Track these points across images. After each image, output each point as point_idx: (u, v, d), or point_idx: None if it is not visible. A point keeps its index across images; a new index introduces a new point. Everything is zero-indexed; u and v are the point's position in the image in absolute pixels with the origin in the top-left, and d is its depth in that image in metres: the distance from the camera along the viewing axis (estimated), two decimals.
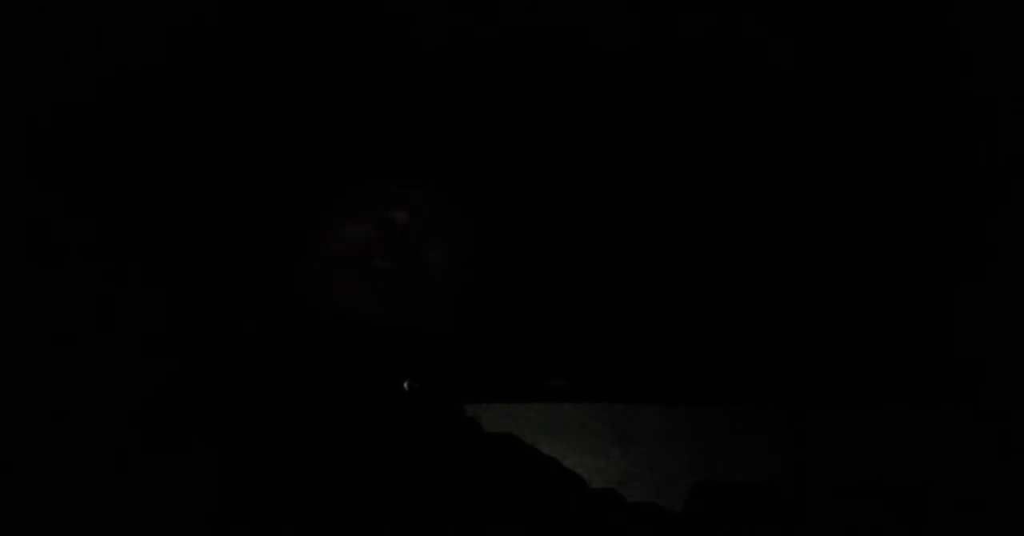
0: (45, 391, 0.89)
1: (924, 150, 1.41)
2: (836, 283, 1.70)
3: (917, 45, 1.19)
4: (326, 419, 0.97)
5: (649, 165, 1.49)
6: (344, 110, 1.34)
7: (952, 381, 1.42)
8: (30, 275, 1.17)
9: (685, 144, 1.43)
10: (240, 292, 1.14)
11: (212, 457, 0.90)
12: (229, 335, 1.05)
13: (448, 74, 1.27)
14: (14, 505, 0.86)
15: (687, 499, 2.00)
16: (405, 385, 1.04)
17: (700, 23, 1.19)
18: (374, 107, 1.33)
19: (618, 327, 1.86)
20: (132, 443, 0.89)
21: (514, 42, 1.21)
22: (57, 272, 1.08)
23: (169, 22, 1.14)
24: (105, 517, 0.87)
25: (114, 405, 0.90)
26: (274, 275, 1.15)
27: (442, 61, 1.25)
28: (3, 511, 0.86)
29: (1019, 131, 1.32)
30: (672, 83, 1.31)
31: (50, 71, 1.15)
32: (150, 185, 1.43)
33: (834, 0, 1.16)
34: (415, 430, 1.00)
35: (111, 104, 1.23)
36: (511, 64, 1.25)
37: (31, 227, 1.23)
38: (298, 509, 0.90)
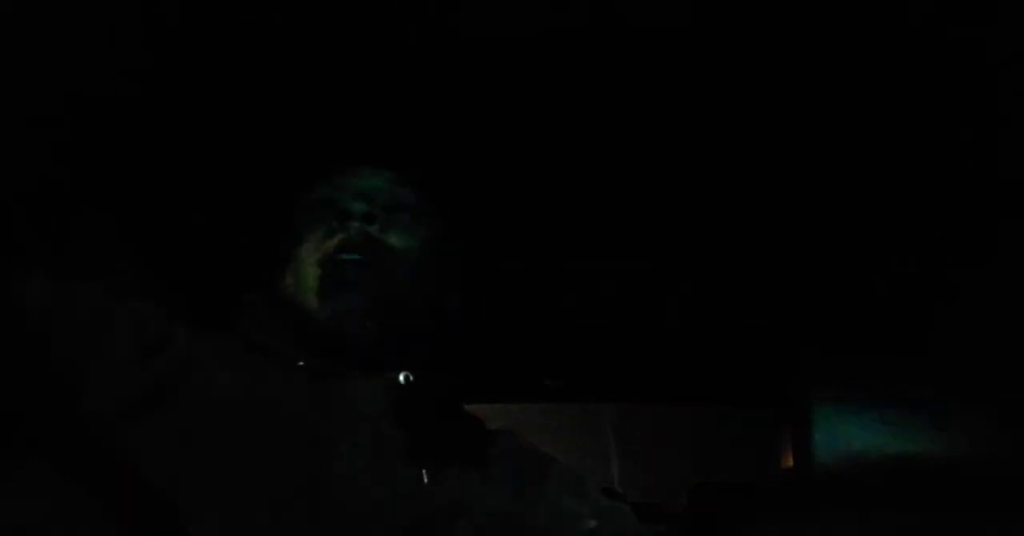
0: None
1: (922, 149, 1.41)
2: (834, 282, 1.70)
3: (917, 45, 1.19)
4: (323, 414, 0.97)
5: (646, 164, 1.48)
6: (311, 104, 1.33)
7: (952, 379, 1.42)
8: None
9: (682, 143, 1.43)
10: (229, 294, 1.14)
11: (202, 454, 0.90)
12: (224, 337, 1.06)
13: (419, 67, 1.26)
14: None
15: (687, 499, 2.00)
16: (402, 377, 1.03)
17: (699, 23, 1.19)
18: (340, 101, 1.32)
19: (617, 327, 1.86)
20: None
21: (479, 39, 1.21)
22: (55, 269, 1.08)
23: (160, 22, 1.14)
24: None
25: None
26: (259, 278, 1.15)
27: (414, 55, 1.24)
28: None
29: (1019, 131, 1.31)
30: (671, 83, 1.30)
31: (43, 73, 1.15)
32: (131, 189, 1.43)
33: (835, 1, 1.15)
34: (413, 421, 1.00)
35: (94, 105, 1.23)
36: (475, 57, 1.24)
37: (29, 226, 1.23)
38: (294, 501, 0.90)
